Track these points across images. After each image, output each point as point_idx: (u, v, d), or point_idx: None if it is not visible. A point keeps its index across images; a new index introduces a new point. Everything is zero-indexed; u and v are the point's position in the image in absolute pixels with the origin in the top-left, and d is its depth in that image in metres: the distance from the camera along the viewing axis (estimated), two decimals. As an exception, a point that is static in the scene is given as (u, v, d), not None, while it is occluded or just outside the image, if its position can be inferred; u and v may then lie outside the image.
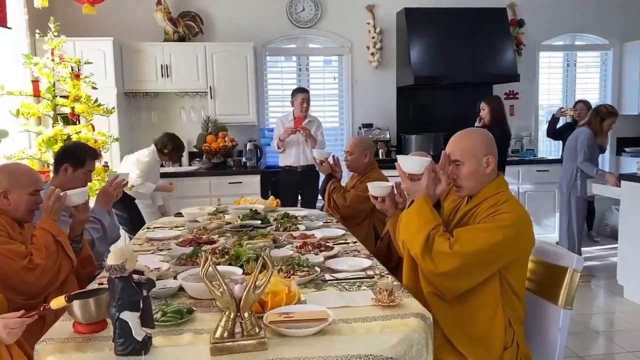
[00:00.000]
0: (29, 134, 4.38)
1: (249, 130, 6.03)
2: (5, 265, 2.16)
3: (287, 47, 6.27)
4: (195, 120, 5.90)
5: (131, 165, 4.61)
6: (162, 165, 5.07)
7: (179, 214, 3.72)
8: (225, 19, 5.99)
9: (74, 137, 4.20)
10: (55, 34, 4.25)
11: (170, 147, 4.81)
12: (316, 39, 6.29)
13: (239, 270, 2.10)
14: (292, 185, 5.30)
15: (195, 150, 5.84)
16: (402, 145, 6.22)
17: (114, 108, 4.57)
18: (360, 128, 6.18)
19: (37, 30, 4.63)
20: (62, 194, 2.44)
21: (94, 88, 4.56)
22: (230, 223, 3.16)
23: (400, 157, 2.12)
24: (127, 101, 5.73)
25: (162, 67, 5.58)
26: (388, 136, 6.14)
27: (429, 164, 2.08)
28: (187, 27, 5.80)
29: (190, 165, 5.91)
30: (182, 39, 5.76)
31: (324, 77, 6.44)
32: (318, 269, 2.16)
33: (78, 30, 5.32)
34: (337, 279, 2.12)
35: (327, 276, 2.15)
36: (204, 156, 5.74)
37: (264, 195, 5.18)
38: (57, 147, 4.02)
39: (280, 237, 2.78)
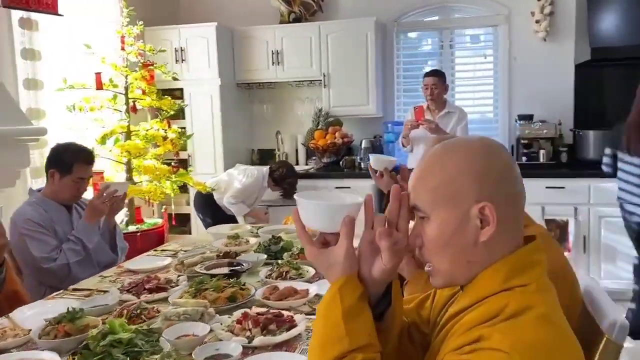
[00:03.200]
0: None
1: (370, 124, 5.04)
2: None
3: (425, 21, 5.09)
4: (311, 113, 5.12)
5: (233, 180, 4.14)
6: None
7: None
8: (349, -8, 5.08)
9: (143, 133, 3.79)
10: (127, 19, 3.88)
11: (288, 181, 4.25)
12: (463, 8, 4.97)
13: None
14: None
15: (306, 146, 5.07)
16: (576, 144, 4.56)
17: (182, 102, 4.03)
18: (516, 121, 4.69)
19: (125, 20, 4.33)
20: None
21: (175, 79, 4.10)
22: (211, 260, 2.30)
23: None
24: (239, 93, 5.21)
25: (272, 54, 4.93)
26: (556, 131, 4.54)
27: (356, 207, 1.00)
28: (304, 5, 5.03)
29: (307, 164, 5.18)
30: (297, 19, 5.03)
31: (472, 55, 5.09)
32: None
33: (190, 16, 4.96)
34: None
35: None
36: (316, 155, 4.94)
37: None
38: (119, 144, 3.64)
39: (252, 291, 1.86)
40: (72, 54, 3.65)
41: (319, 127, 4.86)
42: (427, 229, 0.96)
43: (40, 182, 3.58)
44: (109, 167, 3.89)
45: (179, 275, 2.17)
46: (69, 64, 3.65)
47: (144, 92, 3.77)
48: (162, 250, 2.75)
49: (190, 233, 5.03)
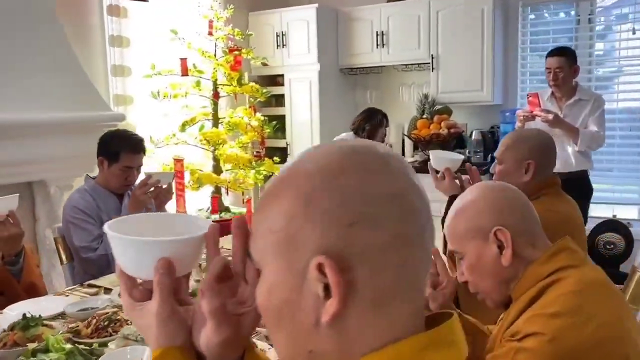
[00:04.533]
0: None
1: (484, 113, 4.41)
2: None
3: (559, -8, 4.29)
4: (417, 100, 4.63)
5: None
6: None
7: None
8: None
9: (229, 120, 3.67)
10: (218, 3, 3.76)
11: (368, 127, 3.79)
12: (608, -27, 4.10)
13: None
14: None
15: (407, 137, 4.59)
16: None
17: (267, 91, 3.82)
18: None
19: (215, 4, 4.23)
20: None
21: (264, 64, 3.92)
22: None
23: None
24: (341, 79, 4.88)
25: (377, 35, 4.53)
26: None
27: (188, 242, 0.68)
28: (414, -20, 4.54)
29: (412, 157, 4.71)
30: (407, -4, 4.55)
31: (617, 31, 4.18)
32: None
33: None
34: None
35: None
36: (420, 147, 4.45)
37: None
38: (206, 133, 3.57)
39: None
40: (160, 40, 3.63)
41: (423, 116, 4.36)
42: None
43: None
44: (194, 154, 3.84)
45: (196, 280, 1.95)
46: (156, 50, 3.64)
47: (232, 78, 3.62)
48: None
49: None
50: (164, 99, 3.55)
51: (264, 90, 3.76)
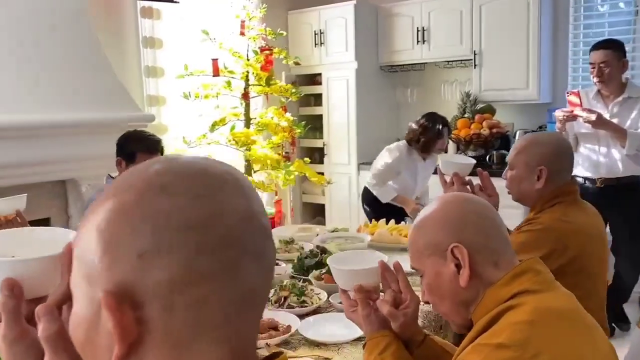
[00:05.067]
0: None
1: (531, 112, 4.15)
2: None
3: (615, -20, 3.97)
4: (459, 98, 4.44)
5: (378, 159, 3.45)
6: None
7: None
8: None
9: (259, 120, 3.66)
10: (252, 2, 3.75)
11: (423, 140, 3.22)
12: (672, -42, 3.74)
13: None
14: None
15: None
16: None
17: (298, 90, 3.76)
18: None
19: (263, 5, 4.21)
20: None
21: (297, 64, 3.88)
22: None
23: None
24: (381, 77, 4.75)
25: (418, 31, 4.37)
26: None
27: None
28: (458, -27, 4.34)
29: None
30: (450, -10, 4.37)
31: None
32: None
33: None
34: None
35: None
36: (460, 148, 4.26)
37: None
38: (236, 133, 3.58)
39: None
40: (192, 41, 3.67)
41: (464, 115, 4.17)
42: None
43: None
44: (227, 155, 3.86)
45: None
46: (189, 51, 3.67)
47: (260, 78, 3.60)
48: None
49: (324, 224, 4.83)
50: (195, 100, 3.58)
51: (293, 90, 3.71)
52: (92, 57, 3.17)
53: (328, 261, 1.22)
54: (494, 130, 3.97)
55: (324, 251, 2.09)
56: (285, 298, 1.67)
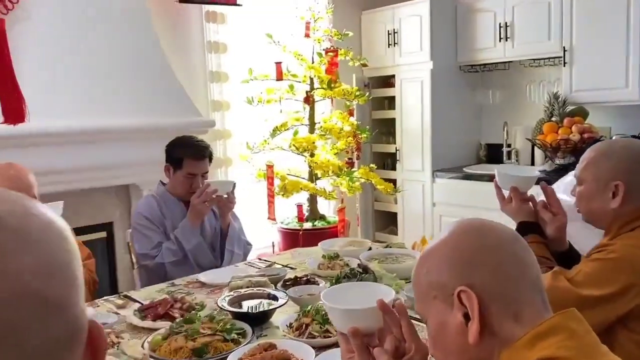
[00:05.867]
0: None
1: (631, 114, 3.65)
2: None
3: None
4: (546, 100, 4.00)
5: None
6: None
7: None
8: None
9: (323, 125, 3.52)
10: (317, 2, 3.61)
11: None
12: None
13: None
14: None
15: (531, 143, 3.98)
16: None
17: (367, 94, 3.56)
18: None
19: (330, 5, 4.06)
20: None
21: (364, 65, 3.69)
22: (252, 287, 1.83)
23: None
24: (460, 78, 4.41)
25: (500, 28, 4.01)
26: None
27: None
28: (546, -38, 3.93)
29: (542, 165, 4.10)
30: (537, -19, 3.96)
31: None
32: None
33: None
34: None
35: None
36: (547, 154, 3.83)
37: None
38: (297, 138, 3.47)
39: (234, 347, 1.39)
40: (256, 45, 3.59)
41: (552, 119, 3.75)
42: None
43: (220, 173, 3.67)
44: (294, 160, 3.76)
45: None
46: (253, 54, 3.61)
47: (322, 81, 3.45)
48: (265, 260, 2.42)
49: (397, 234, 4.59)
50: (258, 104, 3.51)
51: (358, 93, 3.51)
52: (155, 64, 3.19)
53: (322, 296, 1.03)
54: (585, 136, 3.53)
55: (366, 270, 1.88)
56: (307, 325, 1.49)
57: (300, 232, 3.41)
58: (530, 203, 1.64)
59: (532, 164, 4.16)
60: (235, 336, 1.45)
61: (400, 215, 4.51)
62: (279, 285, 1.93)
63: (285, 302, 1.66)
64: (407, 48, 4.27)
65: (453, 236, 0.83)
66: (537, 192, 1.67)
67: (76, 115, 2.85)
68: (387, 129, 4.66)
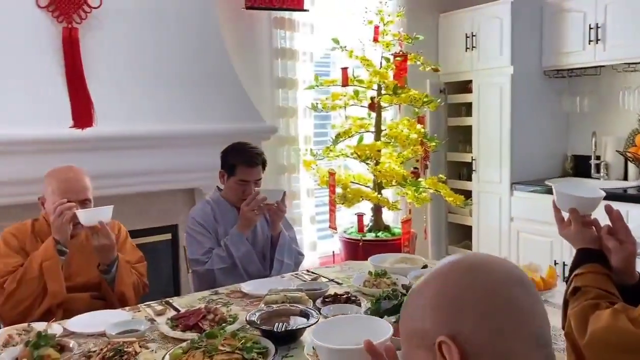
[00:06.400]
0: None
1: None
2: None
3: None
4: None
5: None
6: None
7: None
8: None
9: (388, 132, 3.39)
10: (387, 5, 3.49)
11: None
12: None
13: None
14: None
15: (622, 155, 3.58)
16: None
17: (438, 100, 3.38)
18: None
19: (402, 8, 3.91)
20: (69, 210, 1.98)
21: (436, 70, 3.52)
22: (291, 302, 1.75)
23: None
24: (545, 84, 4.09)
25: (591, 29, 3.67)
26: None
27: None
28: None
29: (637, 179, 3.70)
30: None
31: None
32: None
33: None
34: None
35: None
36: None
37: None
38: (360, 146, 3.38)
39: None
40: (322, 50, 3.54)
41: (647, 129, 3.37)
42: None
43: (284, 179, 3.65)
44: (356, 168, 3.66)
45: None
46: (319, 60, 3.55)
47: (387, 86, 3.32)
48: (312, 273, 2.34)
49: (470, 249, 4.34)
50: (322, 111, 3.44)
51: (425, 99, 3.34)
52: (221, 70, 3.23)
53: (312, 331, 0.92)
54: (689, 148, 3.13)
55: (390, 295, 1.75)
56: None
57: (360, 243, 3.29)
58: (594, 228, 1.43)
59: (625, 178, 3.78)
60: (255, 355, 1.38)
61: (475, 229, 4.26)
62: (318, 301, 1.84)
63: (316, 322, 1.57)
64: (486, 52, 4.03)
65: (440, 276, 0.70)
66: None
67: (142, 120, 2.93)
68: (463, 137, 4.43)
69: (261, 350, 1.41)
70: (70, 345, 1.48)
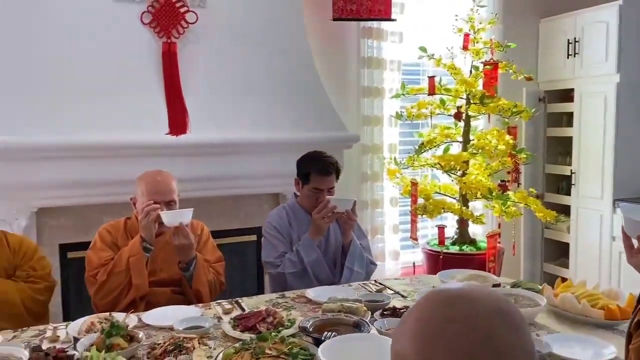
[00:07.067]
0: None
1: None
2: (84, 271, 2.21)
3: None
4: None
5: None
6: None
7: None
8: None
9: (475, 143, 3.31)
10: (477, 12, 3.39)
11: None
12: None
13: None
14: None
15: None
16: None
17: (533, 110, 3.22)
18: None
19: (495, 15, 3.77)
20: (154, 210, 2.16)
21: (529, 79, 3.36)
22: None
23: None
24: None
25: None
26: None
27: None
28: None
29: None
30: None
31: None
32: None
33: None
34: None
35: None
36: None
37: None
38: (443, 156, 3.33)
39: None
40: (410, 59, 3.52)
41: None
42: None
43: (367, 187, 3.67)
44: (443, 179, 3.59)
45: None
46: (406, 68, 3.53)
47: (474, 95, 3.23)
48: (379, 284, 2.34)
49: (567, 267, 4.08)
50: (407, 119, 3.43)
51: (515, 109, 3.19)
52: (307, 80, 3.32)
53: (320, 350, 0.95)
54: None
55: None
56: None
57: (441, 256, 3.23)
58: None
59: None
60: (300, 362, 1.43)
61: (572, 246, 4.00)
62: (376, 313, 1.86)
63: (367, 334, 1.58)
64: (590, 59, 3.78)
65: (419, 305, 0.70)
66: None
67: (232, 128, 3.10)
68: (563, 148, 4.17)
69: (306, 357, 1.45)
70: (139, 336, 1.62)
